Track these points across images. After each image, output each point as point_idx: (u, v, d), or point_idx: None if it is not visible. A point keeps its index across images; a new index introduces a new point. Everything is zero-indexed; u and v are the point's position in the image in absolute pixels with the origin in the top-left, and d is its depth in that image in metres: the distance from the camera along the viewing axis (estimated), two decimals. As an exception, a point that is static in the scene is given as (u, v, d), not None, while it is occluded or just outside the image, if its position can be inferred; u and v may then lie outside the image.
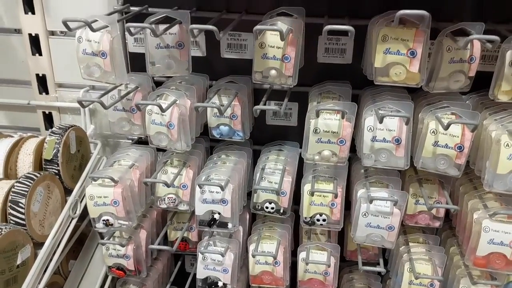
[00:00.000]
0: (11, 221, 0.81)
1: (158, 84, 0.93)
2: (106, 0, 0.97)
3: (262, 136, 1.00)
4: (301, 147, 0.92)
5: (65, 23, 0.73)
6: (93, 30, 0.73)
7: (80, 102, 0.79)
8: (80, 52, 0.78)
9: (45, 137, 0.91)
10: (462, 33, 0.73)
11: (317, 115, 0.76)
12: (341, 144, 0.78)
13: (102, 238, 0.94)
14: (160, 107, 0.78)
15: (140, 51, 0.94)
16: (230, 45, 0.95)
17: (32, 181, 0.82)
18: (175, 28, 0.81)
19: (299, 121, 0.99)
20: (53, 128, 0.92)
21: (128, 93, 0.87)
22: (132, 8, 0.93)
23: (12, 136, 0.95)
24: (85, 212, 0.90)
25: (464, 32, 0.73)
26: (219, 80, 0.94)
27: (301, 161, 0.88)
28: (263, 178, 0.87)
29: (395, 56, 0.72)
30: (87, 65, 0.79)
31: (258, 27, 0.72)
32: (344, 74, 0.92)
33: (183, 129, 0.84)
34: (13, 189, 0.81)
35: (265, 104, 0.81)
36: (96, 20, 0.76)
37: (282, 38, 0.74)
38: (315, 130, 0.78)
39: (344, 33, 0.69)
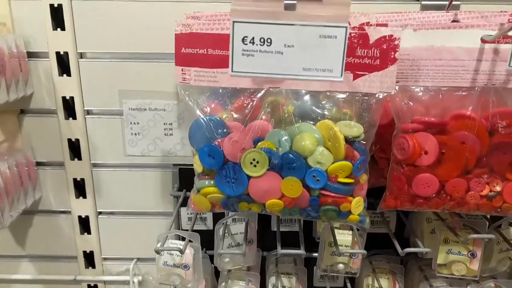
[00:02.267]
0: None
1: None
2: (159, 183, 1.01)
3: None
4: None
5: (157, 251, 0.77)
6: (182, 253, 0.78)
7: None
8: (160, 263, 0.82)
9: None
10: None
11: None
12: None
13: None
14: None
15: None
16: (281, 220, 1.01)
17: None
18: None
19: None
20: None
21: None
22: (188, 193, 0.98)
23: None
24: None
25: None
26: (271, 252, 1.00)
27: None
28: None
29: (457, 256, 0.82)
30: (167, 274, 0.83)
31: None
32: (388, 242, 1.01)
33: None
34: None
35: None
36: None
37: (353, 240, 0.82)
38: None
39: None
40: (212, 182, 0.69)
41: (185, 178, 0.99)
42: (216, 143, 0.66)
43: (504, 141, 0.66)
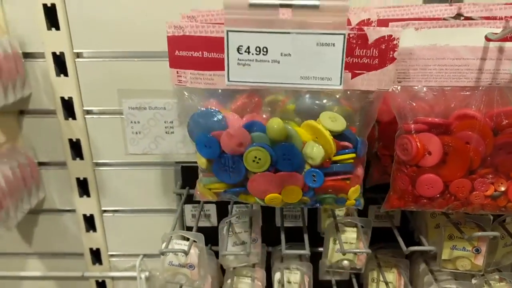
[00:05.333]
0: None
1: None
2: (162, 181, 1.01)
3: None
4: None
5: (162, 252, 0.77)
6: (187, 254, 0.78)
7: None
8: (166, 263, 0.83)
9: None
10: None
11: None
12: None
13: None
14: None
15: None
16: (285, 216, 1.01)
17: None
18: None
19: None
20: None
21: None
22: (191, 190, 0.98)
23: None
24: None
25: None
26: (276, 247, 1.01)
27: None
28: None
29: (461, 252, 0.81)
30: (172, 273, 0.83)
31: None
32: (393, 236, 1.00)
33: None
34: None
35: None
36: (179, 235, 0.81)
37: (358, 237, 0.82)
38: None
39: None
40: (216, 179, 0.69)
41: (187, 175, 0.99)
42: (213, 134, 0.66)
43: (508, 141, 0.64)
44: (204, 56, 0.64)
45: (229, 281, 0.92)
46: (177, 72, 0.66)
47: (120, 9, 0.86)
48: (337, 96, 0.66)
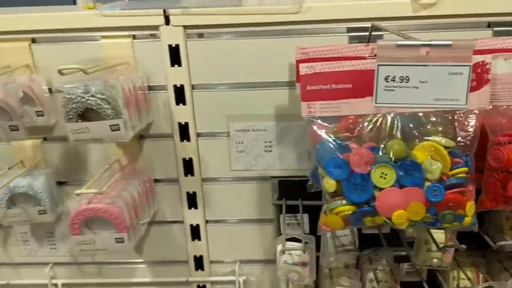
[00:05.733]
0: None
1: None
2: (259, 194, 1.15)
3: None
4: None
5: (282, 251, 0.91)
6: (304, 252, 0.92)
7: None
8: (281, 262, 0.96)
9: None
10: None
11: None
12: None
13: None
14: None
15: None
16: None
17: None
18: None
19: None
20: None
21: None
22: (288, 202, 1.12)
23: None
24: None
25: None
26: (363, 252, 1.14)
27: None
28: None
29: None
30: (286, 271, 0.97)
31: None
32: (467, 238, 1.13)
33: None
34: None
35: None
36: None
37: (446, 237, 0.95)
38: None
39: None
40: (344, 202, 0.78)
41: (283, 188, 1.13)
42: (342, 156, 0.78)
43: None
44: (332, 88, 0.79)
45: (327, 280, 1.05)
46: (308, 105, 0.80)
47: (229, 48, 1.03)
48: (435, 119, 0.80)
